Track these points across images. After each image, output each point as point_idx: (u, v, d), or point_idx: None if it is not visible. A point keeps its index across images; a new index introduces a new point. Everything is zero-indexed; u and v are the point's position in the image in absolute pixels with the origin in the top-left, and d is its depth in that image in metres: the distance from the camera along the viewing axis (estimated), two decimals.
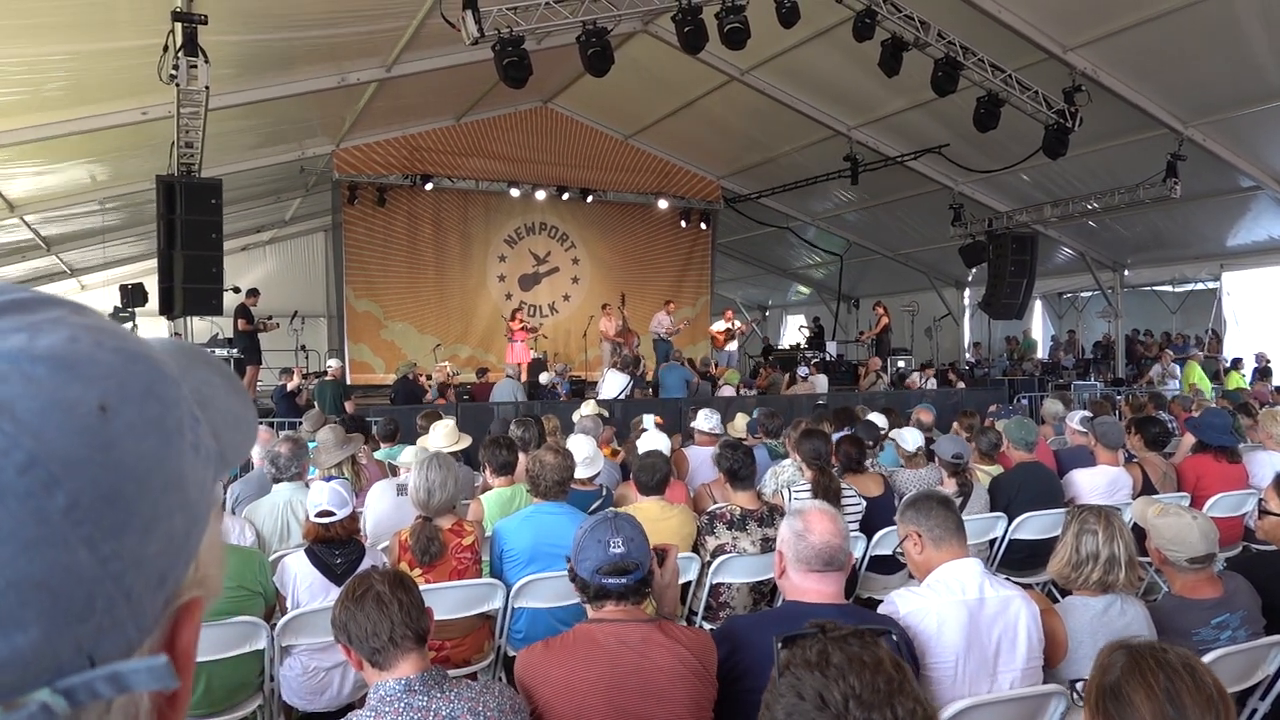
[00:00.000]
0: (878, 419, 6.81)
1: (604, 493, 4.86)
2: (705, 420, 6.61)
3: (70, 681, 0.40)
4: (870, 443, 5.81)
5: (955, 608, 2.62)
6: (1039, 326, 20.68)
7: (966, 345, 20.95)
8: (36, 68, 8.60)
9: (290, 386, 11.20)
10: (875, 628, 1.46)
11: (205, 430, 0.51)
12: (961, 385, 15.12)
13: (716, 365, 15.45)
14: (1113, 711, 1.70)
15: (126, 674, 0.41)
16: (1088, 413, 6.82)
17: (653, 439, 5.51)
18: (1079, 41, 10.55)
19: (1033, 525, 4.92)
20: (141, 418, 0.45)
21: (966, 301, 20.90)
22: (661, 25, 12.26)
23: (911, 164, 14.76)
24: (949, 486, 4.93)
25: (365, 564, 3.58)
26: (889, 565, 4.70)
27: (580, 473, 4.67)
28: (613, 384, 11.78)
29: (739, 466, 4.29)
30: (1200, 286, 16.84)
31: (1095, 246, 16.88)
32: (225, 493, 5.21)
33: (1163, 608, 2.97)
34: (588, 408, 7.78)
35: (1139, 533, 3.15)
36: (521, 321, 15.18)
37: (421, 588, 2.42)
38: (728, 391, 12.82)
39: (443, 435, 5.66)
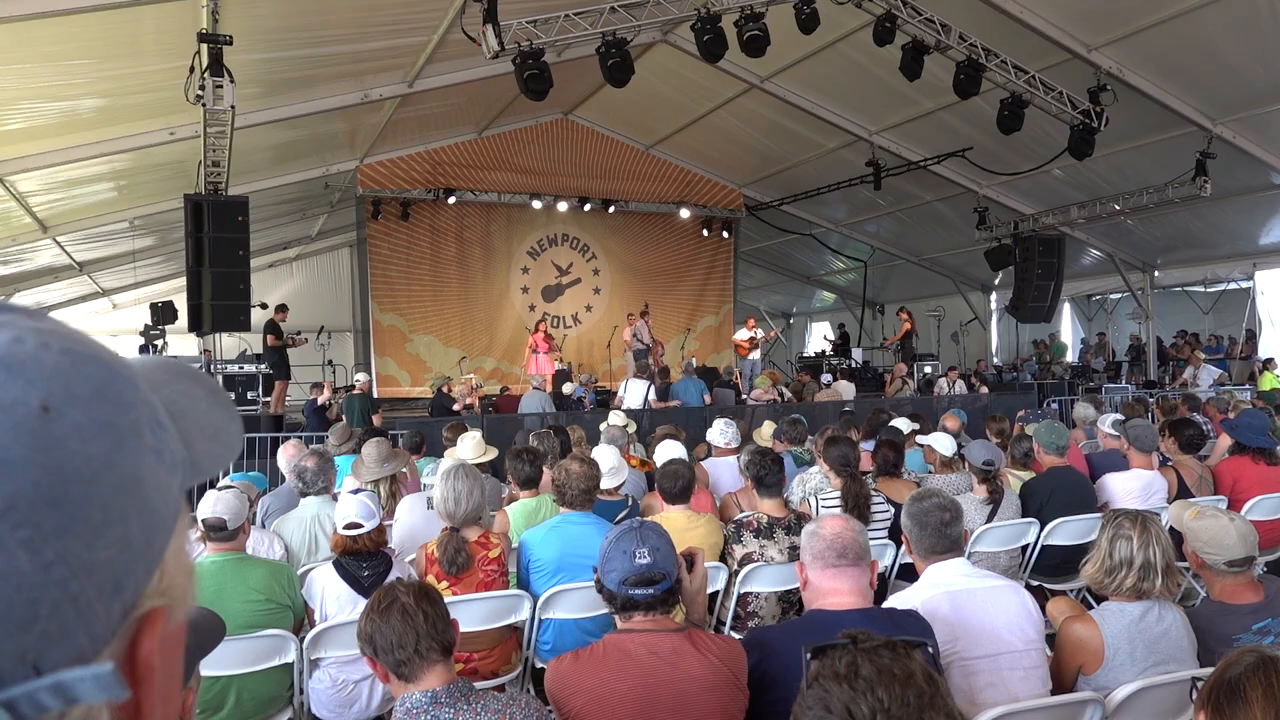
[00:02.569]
0: (902, 424, 6.75)
1: (630, 502, 4.86)
2: (720, 434, 6.52)
3: (11, 693, 0.38)
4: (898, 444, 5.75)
5: (942, 597, 2.67)
6: (1068, 329, 20.46)
7: (994, 350, 20.76)
8: (64, 92, 8.77)
9: (321, 400, 11.30)
10: (910, 639, 1.43)
11: (173, 437, 0.49)
12: (988, 390, 14.96)
13: (740, 374, 15.37)
14: (1225, 706, 1.68)
15: (71, 683, 0.39)
16: (1119, 416, 6.73)
17: (671, 449, 5.49)
18: (1103, 40, 10.45)
19: (1065, 531, 4.85)
20: (89, 419, 0.44)
21: (993, 305, 20.72)
22: (681, 35, 12.29)
23: (935, 168, 14.67)
24: (979, 493, 4.87)
25: (392, 576, 3.58)
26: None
27: (606, 482, 4.65)
28: (634, 392, 11.77)
29: (765, 473, 4.26)
30: (1233, 286, 16.57)
31: (1124, 247, 16.68)
32: (256, 506, 5.26)
33: (1202, 613, 2.91)
34: (615, 418, 7.77)
35: (1175, 537, 3.08)
36: (544, 332, 15.22)
37: (448, 599, 2.42)
38: (760, 396, 12.75)
39: (470, 447, 5.68)
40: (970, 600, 2.69)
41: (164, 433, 0.48)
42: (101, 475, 0.43)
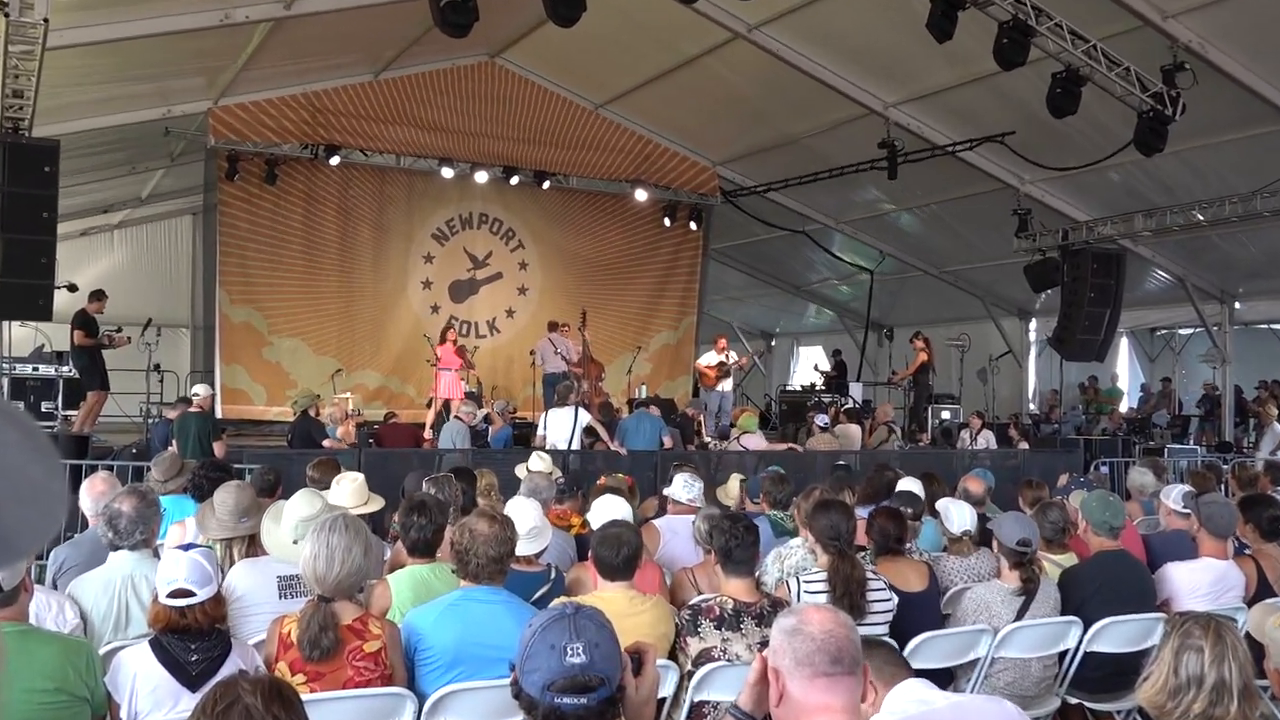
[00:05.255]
0: (913, 485, 6.80)
1: (552, 575, 4.82)
2: (685, 488, 6.54)
3: None
4: (910, 513, 5.80)
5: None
6: (1125, 371, 20.92)
7: (1030, 393, 21.10)
8: None
9: (175, 419, 11.09)
10: None
11: None
12: (1024, 445, 15.22)
13: (705, 409, 15.43)
14: None
15: None
16: (1188, 487, 6.87)
17: (610, 505, 5.48)
18: (1183, 6, 10.74)
19: (1116, 635, 4.93)
20: None
21: (1033, 336, 21.12)
22: None
23: (966, 155, 14.93)
24: (1009, 580, 4.92)
25: (231, 665, 3.51)
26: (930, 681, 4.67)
27: (523, 548, 4.61)
28: (557, 426, 11.68)
29: (735, 545, 4.26)
30: None
31: (1199, 270, 17.12)
32: (44, 558, 5.10)
33: None
34: (537, 461, 7.72)
35: (1255, 649, 3.15)
36: (455, 342, 15.07)
37: (306, 698, 2.37)
38: (752, 443, 12.68)
39: (349, 494, 5.59)
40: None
41: None
42: None
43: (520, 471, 7.56)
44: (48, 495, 0.53)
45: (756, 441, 12.91)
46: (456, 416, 12.34)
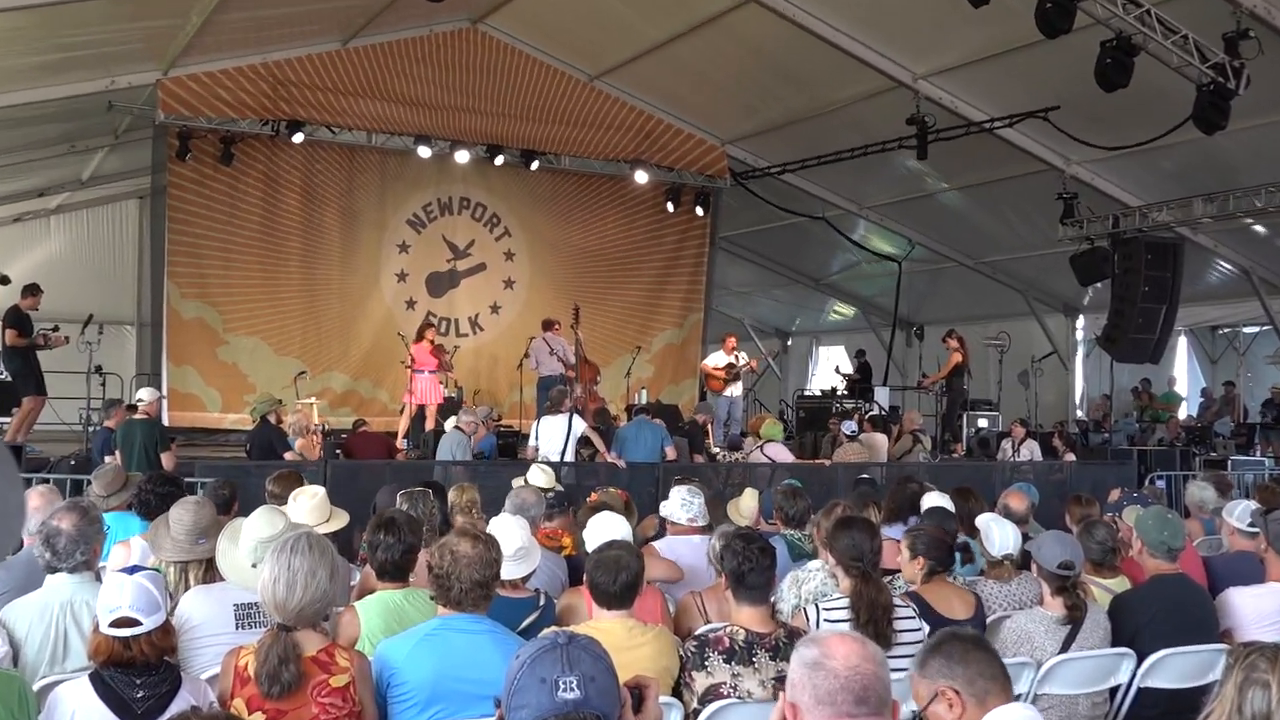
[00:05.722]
0: (941, 500, 6.77)
1: (542, 602, 4.82)
2: (682, 506, 6.50)
3: None
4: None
5: None
6: (1183, 374, 20.90)
7: (1077, 398, 21.08)
8: None
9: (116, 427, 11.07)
10: None
11: None
12: (1071, 457, 15.21)
13: (713, 417, 15.42)
14: None
15: None
16: (1255, 504, 6.86)
17: (607, 525, 5.46)
18: None
19: (1174, 668, 4.91)
20: None
21: (1080, 335, 21.13)
22: None
23: (1004, 132, 14.93)
24: (1053, 608, 4.91)
25: (180, 702, 3.51)
26: None
27: (509, 570, 4.61)
28: (550, 436, 11.70)
29: (749, 568, 4.25)
30: None
31: (1265, 261, 17.13)
32: None
33: None
34: (536, 475, 7.70)
35: None
36: (432, 342, 15.03)
37: None
38: (778, 454, 12.65)
39: (307, 510, 5.58)
40: None
41: None
42: None
43: (517, 483, 7.58)
44: (5, 507, 0.53)
45: (782, 452, 12.88)
46: (457, 427, 12.22)
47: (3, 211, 17.09)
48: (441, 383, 15.05)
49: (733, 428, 16.04)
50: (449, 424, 12.94)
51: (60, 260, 18.91)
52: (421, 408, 14.46)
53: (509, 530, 4.86)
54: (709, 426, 15.12)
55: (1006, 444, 15.33)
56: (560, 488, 7.90)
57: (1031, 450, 15.04)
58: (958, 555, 5.41)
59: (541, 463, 9.48)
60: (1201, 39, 11.20)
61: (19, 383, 12.43)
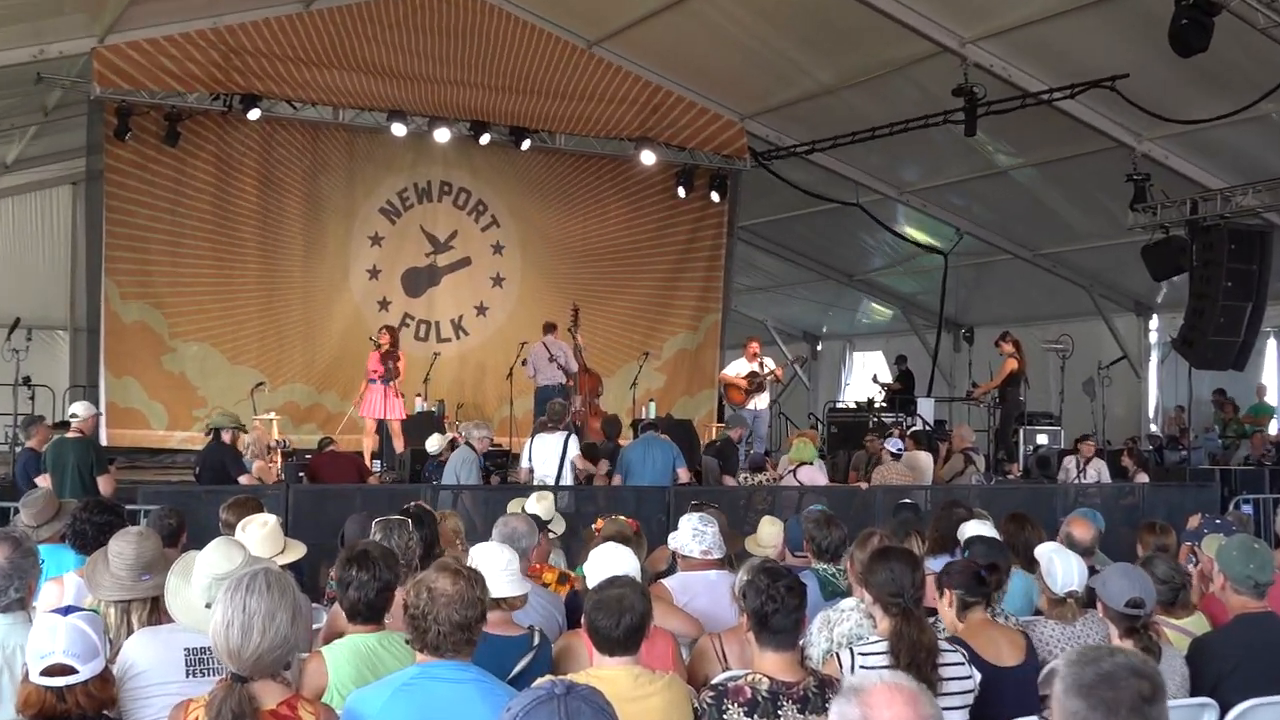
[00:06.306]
0: (982, 528, 6.73)
1: (536, 640, 4.82)
2: (694, 536, 6.46)
3: None
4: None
5: None
6: (1274, 382, 20.83)
7: (1151, 410, 21.04)
8: None
9: (42, 448, 11.10)
10: None
11: None
12: (1144, 478, 15.17)
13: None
14: None
15: None
16: None
17: (612, 558, 5.44)
18: None
19: (1264, 719, 4.92)
20: None
21: (1154, 337, 21.10)
22: None
23: (1064, 104, 14.91)
24: None
25: None
26: None
27: (501, 588, 4.66)
28: (544, 454, 11.72)
29: (774, 608, 4.24)
30: None
31: None
32: None
33: None
34: (536, 502, 7.69)
35: None
36: (383, 344, 14.96)
37: None
38: (807, 476, 12.61)
39: (259, 540, 5.59)
40: None
41: None
42: None
43: (513, 507, 7.60)
44: None
45: (815, 475, 12.82)
46: (468, 443, 12.17)
47: None
48: (398, 393, 14.91)
49: (756, 445, 15.93)
50: (433, 442, 12.94)
51: None
52: (381, 423, 14.42)
53: (493, 560, 4.88)
54: (745, 441, 15.00)
55: (1069, 463, 15.29)
56: (557, 516, 7.90)
57: (1098, 471, 15.00)
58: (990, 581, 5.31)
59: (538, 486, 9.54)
60: None
61: None
